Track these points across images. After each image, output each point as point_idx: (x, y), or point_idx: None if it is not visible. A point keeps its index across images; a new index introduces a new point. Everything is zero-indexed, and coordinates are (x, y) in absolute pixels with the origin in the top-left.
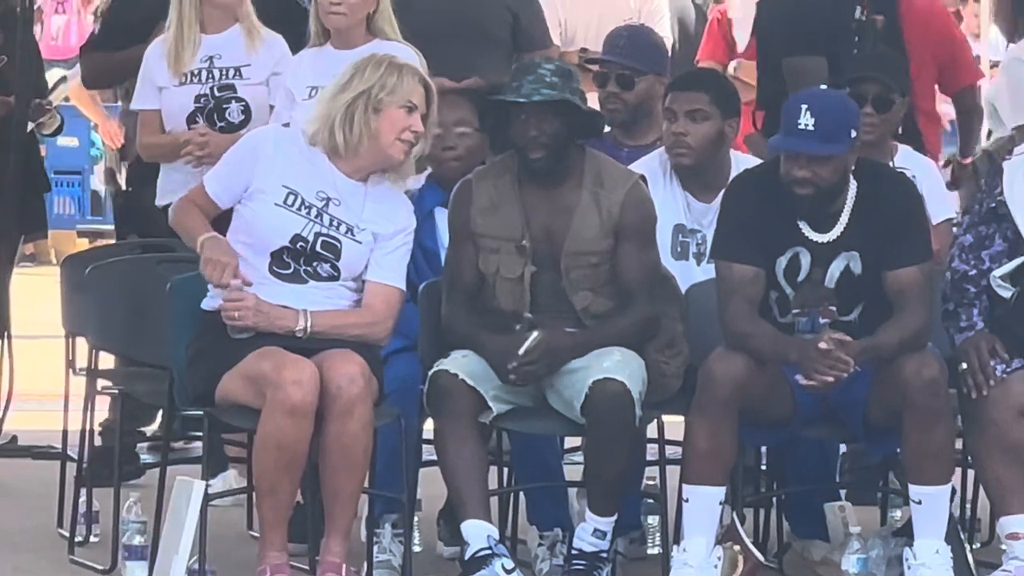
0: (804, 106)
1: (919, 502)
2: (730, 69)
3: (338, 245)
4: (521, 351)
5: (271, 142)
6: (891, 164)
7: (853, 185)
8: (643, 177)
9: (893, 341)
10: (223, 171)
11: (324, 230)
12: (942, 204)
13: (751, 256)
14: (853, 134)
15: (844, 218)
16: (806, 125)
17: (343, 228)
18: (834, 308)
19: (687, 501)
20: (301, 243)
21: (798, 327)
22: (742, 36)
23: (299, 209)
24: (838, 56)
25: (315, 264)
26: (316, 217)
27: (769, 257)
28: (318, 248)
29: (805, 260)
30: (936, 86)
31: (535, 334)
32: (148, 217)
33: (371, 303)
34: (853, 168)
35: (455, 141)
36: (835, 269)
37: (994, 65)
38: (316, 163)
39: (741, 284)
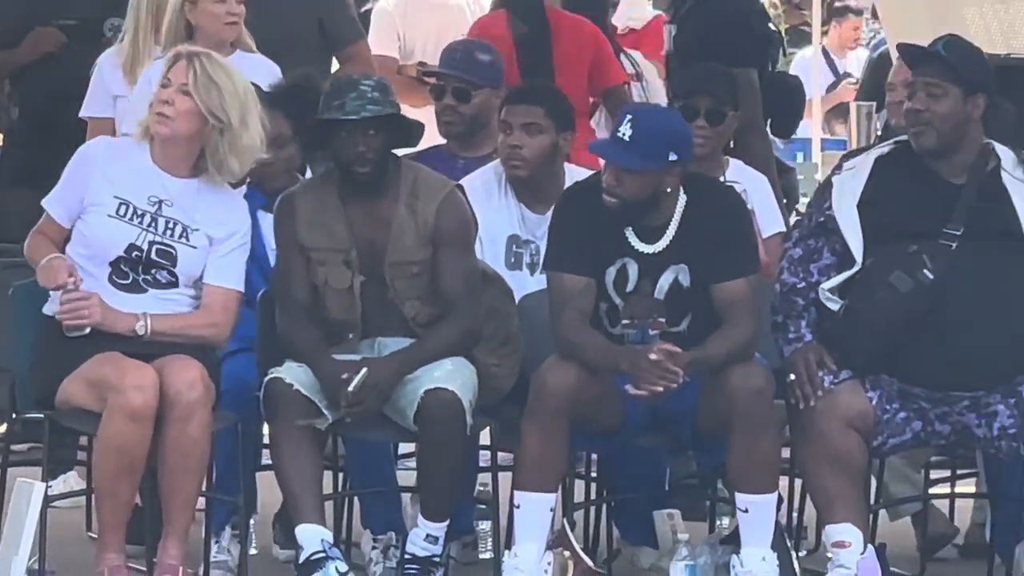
0: (629, 116)
1: (746, 510)
2: None
3: (173, 252)
4: (350, 389)
5: (101, 154)
6: (722, 177)
7: (682, 198)
8: (459, 186)
9: (721, 352)
10: (59, 191)
11: (158, 238)
12: (772, 217)
13: (581, 267)
14: (673, 156)
15: (671, 230)
16: (623, 135)
17: (178, 231)
18: (663, 320)
19: (519, 507)
20: (136, 252)
21: (628, 338)
22: None
23: (131, 219)
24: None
25: (153, 272)
26: (149, 225)
27: (598, 268)
28: (153, 256)
29: (633, 271)
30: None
31: (362, 372)
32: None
33: (209, 305)
34: (683, 182)
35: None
36: (664, 281)
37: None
38: (143, 168)
39: (572, 295)
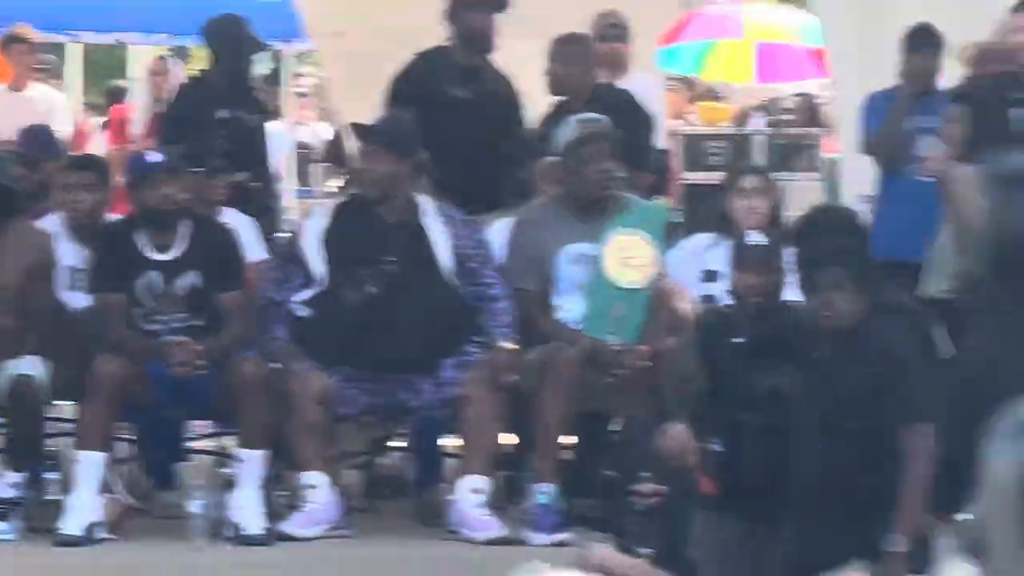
0: None
1: (243, 460)
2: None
3: None
4: None
5: None
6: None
7: (188, 222)
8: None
9: (228, 344)
10: None
11: None
12: (258, 250)
13: (108, 286)
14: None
15: (182, 243)
16: None
17: None
18: (185, 315)
19: (79, 462)
20: None
21: (162, 332)
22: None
23: None
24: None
25: None
26: None
27: (127, 283)
28: None
29: (157, 278)
30: None
31: None
32: None
33: None
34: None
35: None
36: (183, 282)
37: None
38: None
39: (111, 307)
